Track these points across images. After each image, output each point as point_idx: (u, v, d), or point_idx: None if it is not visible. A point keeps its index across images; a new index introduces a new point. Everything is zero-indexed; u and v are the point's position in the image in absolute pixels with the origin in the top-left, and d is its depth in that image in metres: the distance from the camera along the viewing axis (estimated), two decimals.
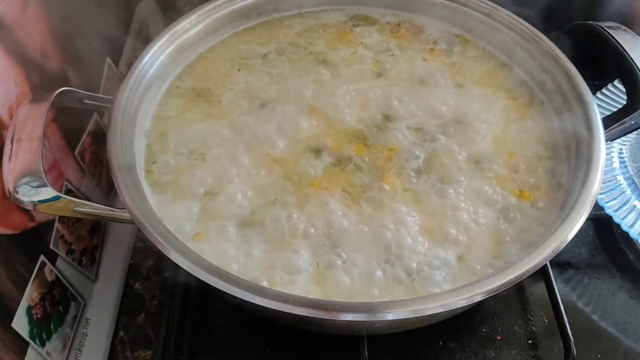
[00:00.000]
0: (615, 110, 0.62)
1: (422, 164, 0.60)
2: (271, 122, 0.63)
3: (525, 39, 0.68)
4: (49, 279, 0.57)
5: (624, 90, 0.63)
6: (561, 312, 0.60)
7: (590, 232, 0.72)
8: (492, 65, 0.71)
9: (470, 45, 0.73)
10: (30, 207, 0.49)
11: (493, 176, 0.59)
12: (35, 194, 0.48)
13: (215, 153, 0.61)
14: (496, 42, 0.71)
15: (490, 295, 0.46)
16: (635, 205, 0.66)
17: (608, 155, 0.71)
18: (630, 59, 0.61)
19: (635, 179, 0.69)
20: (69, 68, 0.64)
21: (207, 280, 0.46)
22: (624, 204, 0.67)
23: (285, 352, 0.61)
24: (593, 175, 0.53)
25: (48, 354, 0.56)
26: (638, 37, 0.63)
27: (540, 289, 0.64)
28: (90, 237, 0.67)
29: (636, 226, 0.65)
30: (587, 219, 0.51)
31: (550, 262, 0.52)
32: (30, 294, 0.54)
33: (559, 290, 0.62)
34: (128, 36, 0.81)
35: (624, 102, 0.61)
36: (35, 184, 0.49)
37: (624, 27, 0.65)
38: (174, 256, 0.48)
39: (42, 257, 0.56)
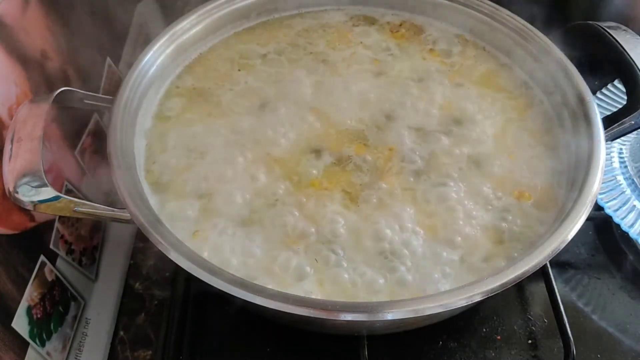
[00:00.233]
0: (615, 110, 0.62)
1: (421, 164, 0.60)
2: (271, 122, 0.63)
3: (525, 39, 0.68)
4: (49, 279, 0.57)
5: (624, 90, 0.63)
6: (561, 312, 0.60)
7: (590, 232, 0.72)
8: (492, 65, 0.70)
9: (470, 45, 0.73)
10: (30, 207, 0.49)
11: (493, 176, 0.59)
12: (35, 194, 0.48)
13: (215, 153, 0.61)
14: (496, 42, 0.71)
15: (490, 295, 0.46)
16: (635, 205, 0.66)
17: (608, 155, 0.71)
18: (630, 59, 0.61)
19: (635, 179, 0.69)
20: (69, 68, 0.64)
21: (207, 280, 0.46)
22: (624, 204, 0.67)
23: (285, 351, 0.61)
24: (593, 176, 0.53)
25: (48, 354, 0.56)
26: (638, 37, 0.63)
27: (540, 288, 0.64)
28: (90, 237, 0.67)
29: (636, 226, 0.65)
30: (587, 219, 0.51)
31: (550, 262, 0.52)
32: (30, 294, 0.54)
33: (558, 290, 0.62)
34: (128, 36, 0.81)
35: (624, 102, 0.61)
36: (35, 184, 0.49)
37: (624, 27, 0.65)
38: (173, 256, 0.48)
39: (42, 257, 0.56)
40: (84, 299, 0.64)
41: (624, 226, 0.65)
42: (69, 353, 0.60)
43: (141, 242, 0.73)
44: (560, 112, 0.63)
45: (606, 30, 0.64)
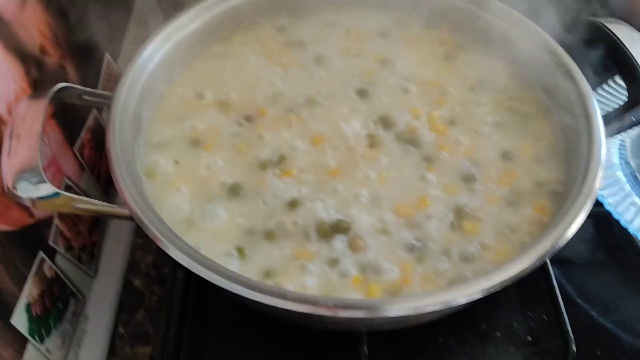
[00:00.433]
0: (615, 106, 0.62)
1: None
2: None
3: (525, 35, 0.68)
4: (48, 275, 0.57)
5: (624, 86, 0.63)
6: (560, 308, 0.60)
7: (590, 229, 0.72)
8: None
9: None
10: (29, 204, 0.49)
11: (494, 174, 0.59)
12: (34, 191, 0.48)
13: (218, 148, 0.61)
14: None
15: (490, 292, 0.46)
16: (635, 202, 0.66)
17: (608, 151, 0.70)
18: (630, 55, 0.60)
19: (635, 175, 0.69)
20: (68, 64, 0.63)
21: (206, 277, 0.46)
22: (624, 200, 0.67)
23: (285, 348, 0.61)
24: (593, 172, 0.53)
25: (47, 350, 0.56)
26: (638, 32, 0.63)
27: (539, 285, 0.64)
28: (89, 234, 0.67)
29: (636, 222, 0.65)
30: (587, 216, 0.51)
31: (549, 258, 0.52)
32: (29, 290, 0.54)
33: (558, 287, 0.62)
34: (127, 32, 0.81)
35: (624, 98, 0.61)
36: (34, 180, 0.48)
37: (624, 23, 0.65)
38: (173, 252, 0.48)
39: (41, 254, 0.56)
40: (83, 295, 0.64)
41: (624, 222, 0.65)
42: (68, 349, 0.60)
43: (140, 238, 0.73)
44: (560, 109, 0.63)
45: (606, 26, 0.64)
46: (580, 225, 0.50)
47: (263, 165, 0.60)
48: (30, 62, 0.56)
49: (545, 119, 0.64)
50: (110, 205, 0.52)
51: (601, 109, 0.60)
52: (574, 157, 0.58)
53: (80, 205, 0.51)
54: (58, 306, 0.59)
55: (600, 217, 0.69)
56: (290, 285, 0.51)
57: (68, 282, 0.61)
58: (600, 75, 0.76)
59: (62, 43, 0.63)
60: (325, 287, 0.52)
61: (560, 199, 0.56)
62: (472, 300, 0.46)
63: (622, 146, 0.71)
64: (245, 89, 0.67)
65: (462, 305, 0.49)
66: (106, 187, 0.71)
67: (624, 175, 0.69)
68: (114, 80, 0.73)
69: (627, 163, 0.70)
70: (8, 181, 0.48)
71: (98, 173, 0.69)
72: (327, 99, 0.66)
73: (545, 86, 0.66)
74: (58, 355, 0.58)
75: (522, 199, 0.58)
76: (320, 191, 0.58)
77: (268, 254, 0.54)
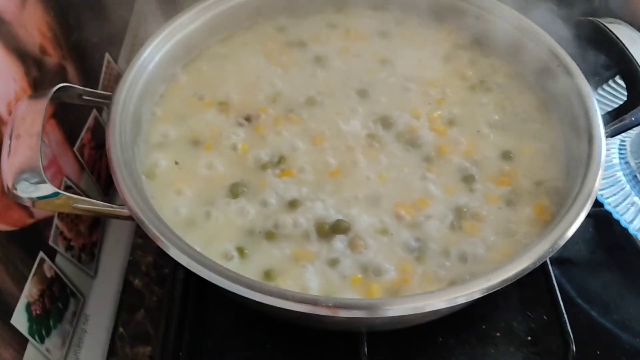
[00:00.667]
0: (615, 106, 0.62)
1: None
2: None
3: (525, 36, 0.68)
4: (48, 275, 0.57)
5: (624, 86, 0.63)
6: (560, 308, 0.60)
7: (590, 229, 0.72)
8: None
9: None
10: (29, 204, 0.49)
11: (494, 174, 0.59)
12: (34, 191, 0.48)
13: (218, 148, 0.61)
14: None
15: (489, 292, 0.46)
16: (635, 202, 0.66)
17: (608, 151, 0.70)
18: (630, 55, 0.60)
19: (635, 175, 0.69)
20: (68, 64, 0.63)
21: (206, 277, 0.46)
22: (624, 200, 0.67)
23: (285, 348, 0.61)
24: (593, 172, 0.53)
25: (47, 350, 0.56)
26: (638, 32, 0.63)
27: (539, 285, 0.64)
28: (89, 234, 0.67)
29: (635, 222, 0.65)
30: (587, 216, 0.51)
31: (549, 258, 0.52)
32: (30, 290, 0.54)
33: (558, 287, 0.62)
34: (127, 32, 0.80)
35: (624, 98, 0.61)
36: (34, 180, 0.48)
37: (624, 23, 0.64)
38: (173, 252, 0.48)
39: (41, 254, 0.56)
40: (83, 295, 0.64)
41: (624, 222, 0.65)
42: (68, 349, 0.60)
43: (140, 238, 0.73)
44: (560, 109, 0.63)
45: (606, 27, 0.64)
46: (580, 225, 0.50)
47: (263, 165, 0.60)
48: (30, 62, 0.56)
49: (545, 119, 0.64)
50: (110, 205, 0.52)
51: (601, 109, 0.60)
52: (574, 157, 0.58)
53: (80, 205, 0.51)
54: (58, 306, 0.59)
55: (600, 217, 0.69)
56: (291, 285, 0.51)
57: (68, 282, 0.61)
58: (600, 75, 0.76)
59: (62, 43, 0.63)
60: (325, 287, 0.52)
61: (560, 199, 0.56)
62: (472, 300, 0.47)
63: (622, 146, 0.71)
64: (245, 89, 0.67)
65: (462, 305, 0.49)
66: (106, 187, 0.71)
67: (624, 175, 0.69)
68: (114, 80, 0.73)
69: (627, 163, 0.70)
70: (8, 181, 0.48)
71: (98, 173, 0.69)
72: (327, 99, 0.66)
73: (545, 86, 0.66)
74: (58, 355, 0.58)
75: (522, 199, 0.58)
76: (320, 191, 0.58)
77: (268, 254, 0.54)
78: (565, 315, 0.59)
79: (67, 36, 0.64)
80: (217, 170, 0.60)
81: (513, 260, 0.48)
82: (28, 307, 0.53)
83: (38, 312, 0.55)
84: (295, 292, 0.46)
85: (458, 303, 0.46)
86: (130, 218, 0.50)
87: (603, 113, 0.59)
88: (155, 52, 0.64)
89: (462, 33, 0.73)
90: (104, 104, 0.60)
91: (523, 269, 0.47)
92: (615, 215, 0.66)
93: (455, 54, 0.71)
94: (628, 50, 0.61)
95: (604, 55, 0.65)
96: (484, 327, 0.63)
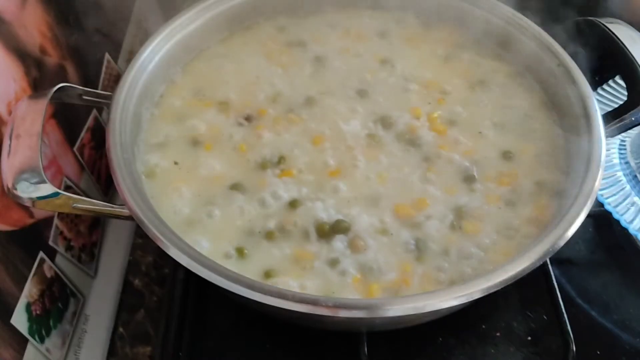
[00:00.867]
0: (615, 106, 0.62)
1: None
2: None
3: (525, 35, 0.68)
4: (48, 275, 0.57)
5: (624, 86, 0.63)
6: (560, 308, 0.60)
7: (590, 229, 0.72)
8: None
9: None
10: (29, 204, 0.49)
11: (494, 174, 0.59)
12: (34, 191, 0.48)
13: (218, 148, 0.61)
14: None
15: (489, 292, 0.46)
16: (635, 202, 0.66)
17: (608, 151, 0.70)
18: (630, 55, 0.60)
19: (635, 175, 0.69)
20: (68, 64, 0.63)
21: (206, 277, 0.46)
22: (624, 200, 0.67)
23: (285, 348, 0.61)
24: (593, 173, 0.53)
25: (47, 350, 0.56)
26: (638, 32, 0.63)
27: (539, 285, 0.64)
28: (89, 234, 0.67)
29: (636, 222, 0.65)
30: (587, 216, 0.51)
31: (549, 258, 0.52)
32: (30, 290, 0.54)
33: (558, 287, 0.62)
34: (127, 32, 0.81)
35: (625, 99, 0.61)
36: (34, 180, 0.48)
37: (624, 23, 0.64)
38: (173, 252, 0.48)
39: (41, 254, 0.56)
40: (83, 295, 0.64)
41: (624, 222, 0.65)
42: (68, 349, 0.60)
43: (140, 238, 0.73)
44: (560, 109, 0.63)
45: (606, 27, 0.64)
46: (580, 225, 0.50)
47: (263, 165, 0.60)
48: (30, 62, 0.56)
49: (545, 119, 0.64)
50: (110, 205, 0.52)
51: (601, 109, 0.60)
52: (574, 157, 0.58)
53: (80, 205, 0.51)
54: (58, 306, 0.59)
55: (600, 217, 0.69)
56: (290, 285, 0.51)
57: (68, 282, 0.61)
58: (600, 75, 0.76)
59: (62, 43, 0.63)
60: (325, 287, 0.52)
61: (560, 199, 0.56)
62: (472, 300, 0.47)
63: (622, 146, 0.71)
64: (245, 89, 0.67)
65: (462, 305, 0.49)
66: (106, 187, 0.71)
67: (624, 175, 0.69)
68: (114, 80, 0.73)
69: (627, 163, 0.70)
70: (8, 181, 0.48)
71: (98, 173, 0.69)
72: (327, 99, 0.66)
73: (545, 86, 0.66)
74: (58, 355, 0.58)
75: (522, 199, 0.58)
76: (320, 191, 0.58)
77: (268, 254, 0.54)
78: (565, 315, 0.59)
79: (67, 36, 0.64)
80: (217, 170, 0.59)
81: (513, 261, 0.48)
82: (28, 307, 0.53)
83: (38, 312, 0.55)
84: (295, 292, 0.46)
85: (458, 303, 0.46)
86: (130, 218, 0.50)
87: (603, 113, 0.59)
88: (155, 52, 0.64)
89: (462, 33, 0.72)
90: (104, 104, 0.60)
91: (523, 269, 0.47)
92: (615, 215, 0.66)
93: (455, 54, 0.71)
94: (628, 50, 0.61)
95: (604, 55, 0.65)
96: (484, 327, 0.63)
